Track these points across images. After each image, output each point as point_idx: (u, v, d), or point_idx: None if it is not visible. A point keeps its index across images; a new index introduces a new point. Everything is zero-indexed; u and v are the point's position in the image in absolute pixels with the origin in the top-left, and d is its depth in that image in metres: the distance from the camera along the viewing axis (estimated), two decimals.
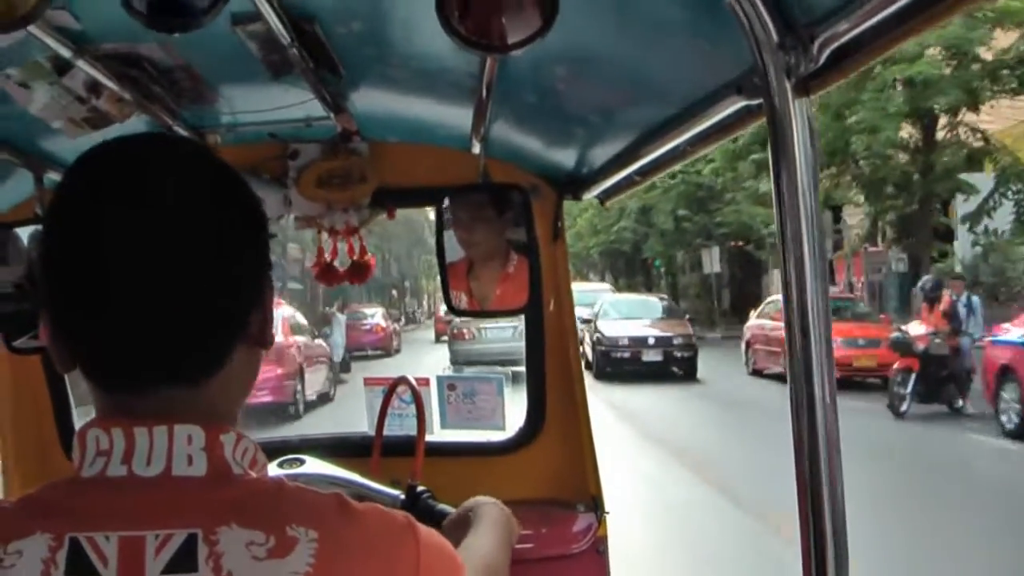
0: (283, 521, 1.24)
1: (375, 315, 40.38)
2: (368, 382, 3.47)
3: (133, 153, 1.33)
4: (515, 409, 3.42)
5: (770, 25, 1.63)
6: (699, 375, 26.27)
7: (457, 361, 27.04)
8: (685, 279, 53.02)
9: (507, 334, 23.69)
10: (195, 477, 1.26)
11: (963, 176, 27.67)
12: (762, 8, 1.61)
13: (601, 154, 2.94)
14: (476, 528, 1.97)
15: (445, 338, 32.55)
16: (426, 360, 30.86)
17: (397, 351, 39.05)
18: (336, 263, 3.29)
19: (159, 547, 1.21)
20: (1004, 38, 25.12)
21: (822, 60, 1.61)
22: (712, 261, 41.15)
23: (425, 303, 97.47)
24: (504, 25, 1.73)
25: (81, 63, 2.23)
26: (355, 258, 3.29)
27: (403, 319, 71.25)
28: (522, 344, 3.33)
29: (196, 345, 1.28)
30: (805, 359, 1.69)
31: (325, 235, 3.21)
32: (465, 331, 27.24)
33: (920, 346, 17.14)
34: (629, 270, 63.71)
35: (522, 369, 3.41)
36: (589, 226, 53.54)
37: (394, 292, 75.25)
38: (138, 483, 1.25)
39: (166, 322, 1.25)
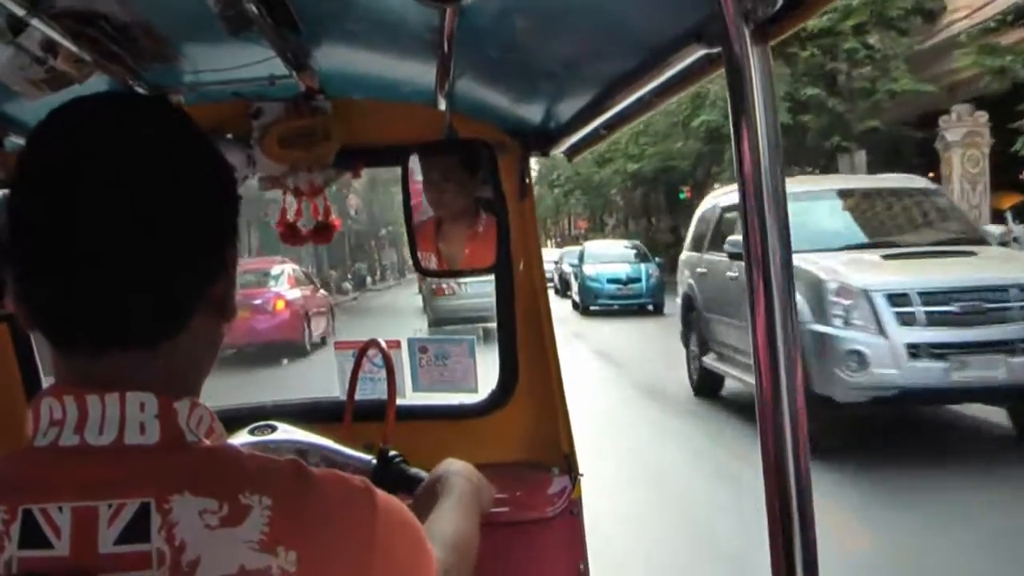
0: (236, 489, 1.23)
1: (279, 277, 25.80)
2: (339, 346, 3.45)
3: (94, 113, 1.31)
4: (493, 369, 3.42)
5: None
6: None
7: (437, 319, 26.52)
8: None
9: (488, 288, 22.99)
10: (147, 445, 1.25)
11: None
12: None
13: (566, 109, 2.92)
14: (442, 501, 1.96)
15: None
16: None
17: (319, 343, 24.76)
18: (300, 224, 3.27)
19: (111, 517, 1.20)
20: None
21: (779, 3, 1.59)
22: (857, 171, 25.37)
23: (406, 255, 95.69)
24: None
25: (36, 22, 2.19)
26: (319, 218, 3.27)
27: (375, 275, 69.11)
28: None
29: (153, 306, 1.26)
30: (768, 312, 1.67)
31: (290, 195, 3.18)
32: (444, 286, 26.45)
33: None
34: (670, 206, 49.23)
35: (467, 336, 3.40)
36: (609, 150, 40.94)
37: (372, 243, 72.64)
38: (91, 452, 1.23)
39: (123, 283, 1.24)
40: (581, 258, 34.95)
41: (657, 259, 34.04)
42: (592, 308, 32.55)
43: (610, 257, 34.06)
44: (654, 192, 52.55)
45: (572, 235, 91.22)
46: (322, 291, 27.31)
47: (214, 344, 1.38)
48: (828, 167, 27.19)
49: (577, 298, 34.48)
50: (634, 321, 29.03)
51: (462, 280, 24.58)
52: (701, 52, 1.87)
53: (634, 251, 35.46)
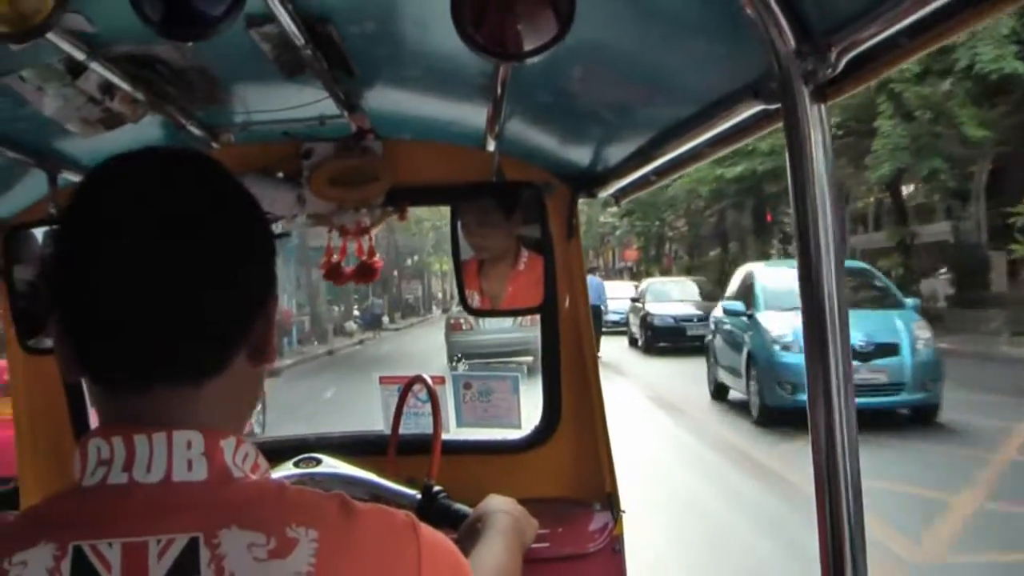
0: (283, 522, 1.25)
1: None
2: (383, 380, 3.46)
3: (145, 163, 1.35)
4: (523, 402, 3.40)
5: (787, 31, 1.62)
6: None
7: (455, 353, 26.22)
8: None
9: (506, 324, 22.74)
10: (196, 481, 1.27)
11: None
12: (779, 14, 1.60)
13: (616, 153, 2.93)
14: (485, 536, 1.98)
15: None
16: None
17: None
18: (343, 264, 3.30)
19: (161, 552, 1.22)
20: None
21: (840, 67, 1.60)
22: None
23: (434, 288, 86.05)
24: (520, 32, 1.72)
25: (95, 65, 2.23)
26: (363, 258, 3.29)
27: (398, 311, 63.66)
28: (521, 335, 3.30)
29: (198, 347, 1.29)
30: (824, 369, 1.68)
31: (335, 234, 3.20)
32: (463, 321, 26.34)
33: None
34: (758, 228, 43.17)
35: (523, 360, 3.41)
36: None
37: (395, 273, 63.94)
38: (139, 489, 1.26)
39: (169, 326, 1.26)
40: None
41: None
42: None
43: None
44: (735, 212, 45.90)
45: (617, 268, 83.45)
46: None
47: (255, 384, 1.41)
48: None
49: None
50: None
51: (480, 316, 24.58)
52: (759, 107, 1.87)
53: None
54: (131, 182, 1.32)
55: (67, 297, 1.29)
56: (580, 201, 3.28)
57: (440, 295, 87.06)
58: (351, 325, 47.80)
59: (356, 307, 52.40)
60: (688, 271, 48.17)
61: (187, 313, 1.27)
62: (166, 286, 1.26)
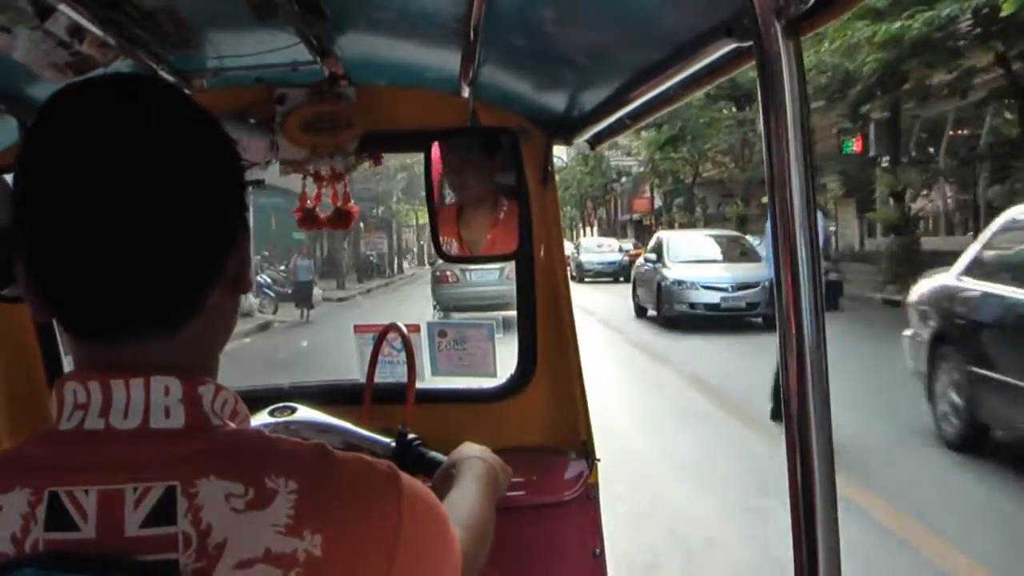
0: (262, 472, 1.24)
1: None
2: (358, 329, 3.46)
3: (103, 94, 1.31)
4: (503, 355, 3.42)
5: None
6: None
7: (441, 306, 26.56)
8: None
9: (492, 276, 23.53)
10: (173, 429, 1.25)
11: None
12: None
13: (591, 98, 2.92)
14: (459, 482, 1.97)
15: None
16: None
17: None
18: (318, 210, 3.28)
19: (137, 500, 1.21)
20: None
21: (811, 0, 1.58)
22: None
23: (409, 243, 79.53)
24: None
25: (63, 7, 2.20)
26: (338, 204, 3.28)
27: (358, 272, 53.48)
28: (509, 287, 3.30)
29: (171, 291, 1.27)
30: (795, 302, 1.67)
31: (310, 180, 3.19)
32: (448, 274, 26.76)
33: None
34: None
35: (509, 314, 3.40)
36: None
37: (361, 225, 51.04)
38: (116, 436, 1.24)
39: (139, 268, 1.24)
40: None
41: None
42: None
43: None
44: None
45: (620, 220, 76.33)
46: None
47: (230, 319, 1.39)
48: None
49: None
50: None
51: (468, 268, 24.88)
52: (731, 46, 1.86)
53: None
54: (93, 113, 1.27)
55: (27, 243, 1.26)
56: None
57: (416, 250, 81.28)
58: (251, 302, 29.87)
59: (264, 272, 35.51)
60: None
61: (151, 256, 1.24)
62: (124, 227, 1.23)
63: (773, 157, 1.66)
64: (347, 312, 33.55)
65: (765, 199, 1.82)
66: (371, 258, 60.02)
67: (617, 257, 49.00)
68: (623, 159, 61.16)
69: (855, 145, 33.69)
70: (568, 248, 39.89)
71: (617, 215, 77.16)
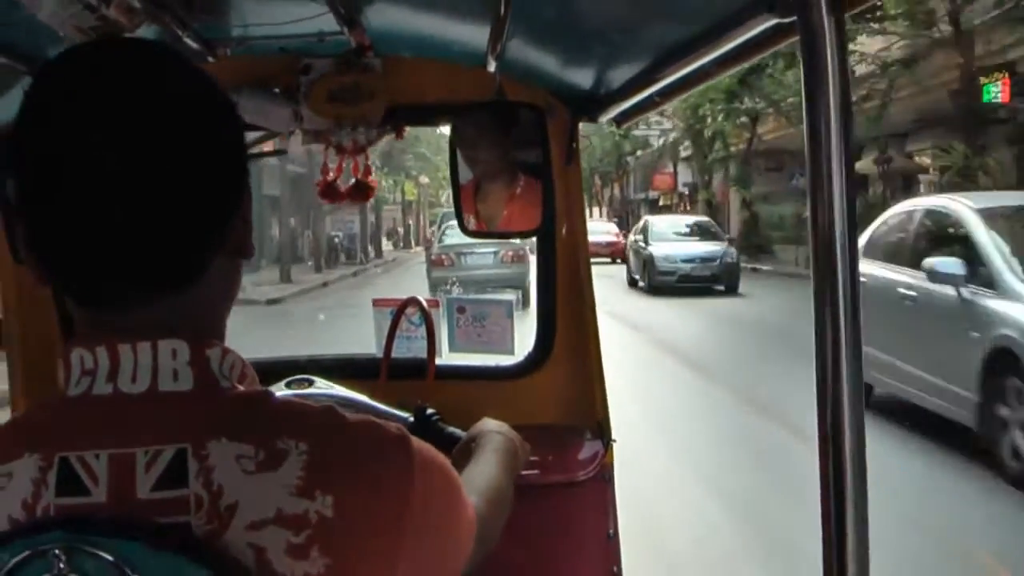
0: (272, 434, 1.23)
1: None
2: (377, 303, 3.44)
3: (103, 56, 1.30)
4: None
5: None
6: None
7: (435, 287, 26.48)
8: None
9: (487, 260, 24.27)
10: (182, 391, 1.25)
11: None
12: None
13: (619, 75, 2.89)
14: (479, 454, 1.96)
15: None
16: None
17: None
18: (339, 182, 3.26)
19: (149, 463, 1.20)
20: None
21: None
22: None
23: (387, 222, 68.43)
24: None
25: None
26: (359, 177, 3.25)
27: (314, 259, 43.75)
28: (503, 271, 3.28)
29: (173, 253, 1.26)
30: (831, 290, 1.64)
31: (332, 152, 3.17)
32: (444, 257, 27.06)
33: None
34: None
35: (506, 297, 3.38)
36: None
37: (310, 212, 44.89)
38: (125, 400, 1.24)
39: (140, 231, 1.23)
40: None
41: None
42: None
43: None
44: None
45: (633, 200, 67.35)
46: None
47: (234, 283, 1.38)
48: None
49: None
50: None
51: (463, 251, 25.35)
52: (772, 21, 1.83)
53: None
54: (93, 75, 1.25)
55: (24, 208, 1.25)
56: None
57: (402, 231, 73.60)
58: None
59: None
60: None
61: (159, 223, 1.23)
62: (133, 192, 1.22)
63: (817, 134, 1.63)
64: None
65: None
66: (337, 240, 49.70)
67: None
68: (641, 128, 52.67)
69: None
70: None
71: (631, 193, 69.14)
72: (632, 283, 33.59)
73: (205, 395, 1.26)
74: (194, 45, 2.76)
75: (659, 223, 35.19)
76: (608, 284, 32.58)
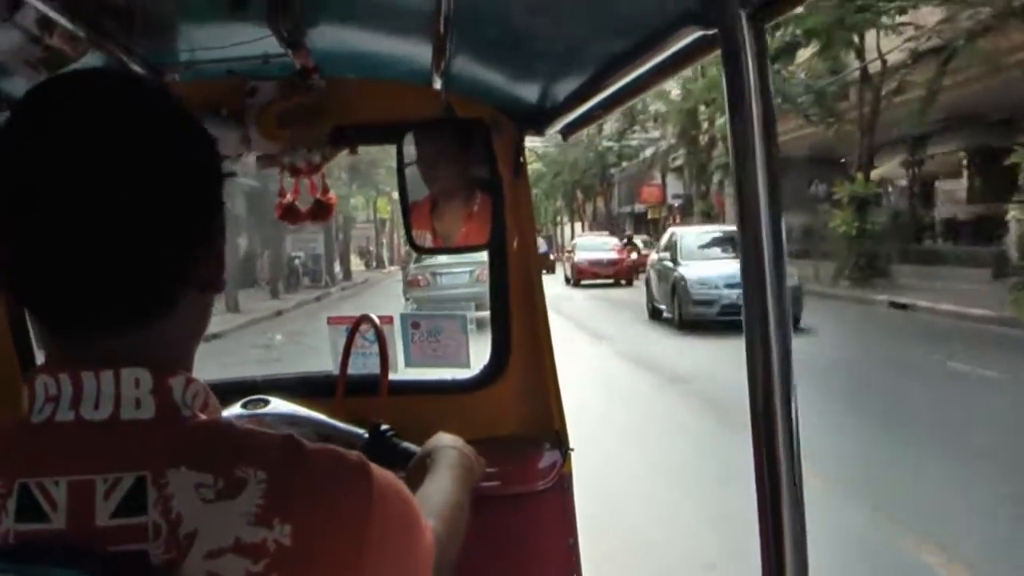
0: (232, 463, 1.24)
1: None
2: (332, 321, 3.46)
3: (75, 88, 1.30)
4: (475, 351, 3.43)
5: None
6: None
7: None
8: None
9: (462, 279, 24.69)
10: (143, 420, 1.26)
11: None
12: None
13: (562, 88, 2.92)
14: (433, 472, 1.99)
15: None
16: None
17: None
18: (298, 203, 3.28)
19: (108, 491, 1.21)
20: None
21: None
22: None
23: (358, 241, 65.98)
24: None
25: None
26: (317, 196, 3.27)
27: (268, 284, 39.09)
28: (479, 289, 3.31)
29: (141, 286, 1.27)
30: (760, 302, 1.69)
31: (287, 174, 3.18)
32: (420, 277, 27.72)
33: None
34: None
35: (481, 315, 3.40)
36: None
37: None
38: (86, 427, 1.24)
39: (104, 265, 1.24)
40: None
41: None
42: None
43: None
44: None
45: (616, 216, 64.15)
46: None
47: (204, 317, 1.39)
48: None
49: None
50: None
51: (439, 272, 26.28)
52: (697, 33, 1.87)
53: None
54: (64, 107, 1.27)
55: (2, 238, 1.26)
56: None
57: (373, 250, 71.29)
58: None
59: None
60: None
61: (124, 253, 1.24)
62: (99, 225, 1.23)
63: (738, 147, 1.68)
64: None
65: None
66: (297, 261, 45.02)
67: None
68: (628, 138, 51.42)
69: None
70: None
71: (617, 207, 66.58)
72: (655, 314, 27.09)
73: (166, 423, 1.27)
74: (140, 71, 2.77)
75: (689, 236, 27.48)
76: (620, 316, 29.11)
